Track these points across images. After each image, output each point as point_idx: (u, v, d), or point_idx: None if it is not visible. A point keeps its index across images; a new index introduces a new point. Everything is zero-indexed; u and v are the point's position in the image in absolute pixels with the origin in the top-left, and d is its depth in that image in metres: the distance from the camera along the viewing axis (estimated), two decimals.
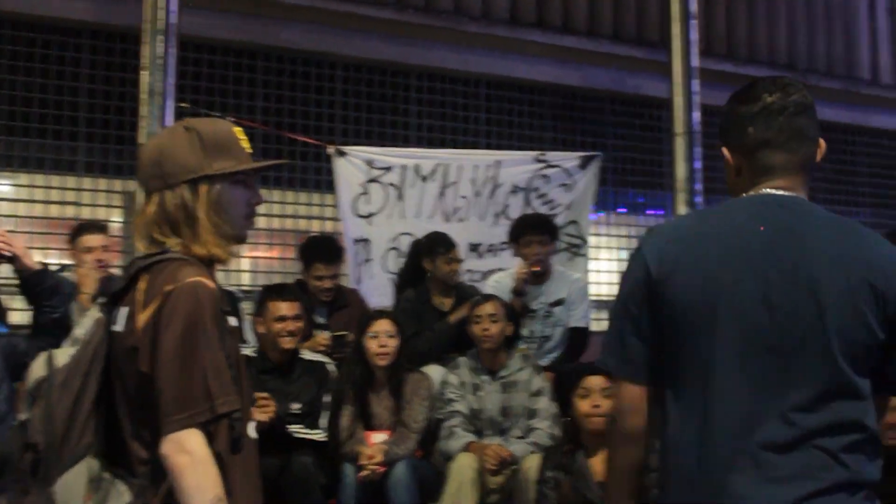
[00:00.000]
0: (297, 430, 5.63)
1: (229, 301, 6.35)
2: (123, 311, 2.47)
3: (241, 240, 2.64)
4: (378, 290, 7.59)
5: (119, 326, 2.47)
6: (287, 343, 5.70)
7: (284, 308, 5.72)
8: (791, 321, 2.30)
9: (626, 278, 2.51)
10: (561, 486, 4.92)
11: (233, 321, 2.50)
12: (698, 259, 2.39)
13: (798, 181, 2.50)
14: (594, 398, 4.85)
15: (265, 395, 5.38)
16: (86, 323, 2.55)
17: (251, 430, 2.51)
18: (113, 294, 2.53)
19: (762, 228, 2.39)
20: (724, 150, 2.58)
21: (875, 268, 2.34)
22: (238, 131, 2.65)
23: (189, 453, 2.28)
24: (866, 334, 2.31)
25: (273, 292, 5.91)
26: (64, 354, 2.50)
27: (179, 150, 2.54)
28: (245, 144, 2.64)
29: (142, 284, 2.45)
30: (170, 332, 2.33)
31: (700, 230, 2.48)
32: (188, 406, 2.30)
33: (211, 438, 2.34)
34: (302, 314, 5.84)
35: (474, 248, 7.83)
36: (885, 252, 2.39)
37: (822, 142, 2.55)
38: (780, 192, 2.47)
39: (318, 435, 5.70)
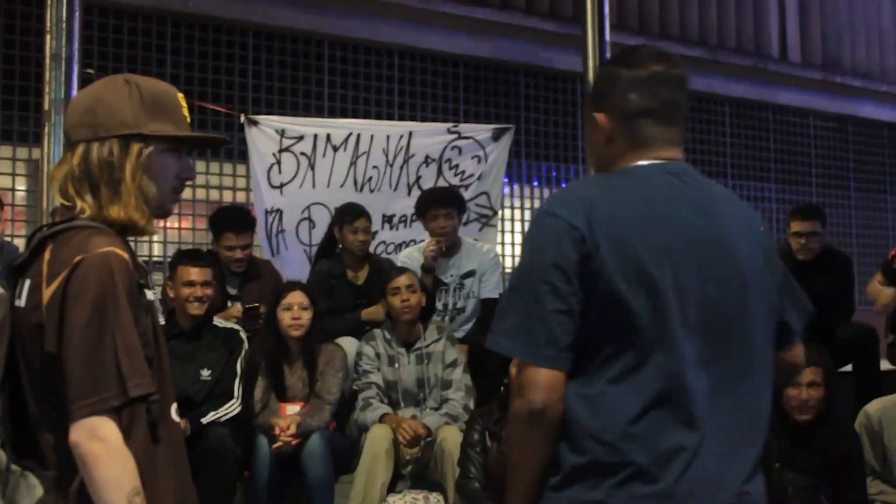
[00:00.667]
0: (208, 418, 5.52)
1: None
2: (26, 284, 2.24)
3: (164, 213, 2.42)
4: (293, 261, 7.54)
5: (22, 301, 2.23)
6: (194, 309, 5.62)
7: (194, 273, 5.63)
8: (723, 293, 2.22)
9: (542, 249, 2.22)
10: (489, 451, 4.95)
11: (149, 294, 2.31)
12: (624, 231, 2.18)
13: (677, 154, 2.37)
14: None
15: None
16: None
17: (174, 414, 2.32)
18: (16, 266, 2.30)
19: (679, 200, 2.27)
20: (599, 116, 2.39)
21: (760, 231, 2.38)
22: (181, 97, 2.43)
23: (102, 441, 2.07)
24: (776, 293, 2.34)
25: (184, 256, 5.84)
26: None
27: (117, 102, 2.32)
28: (186, 113, 2.42)
29: (46, 255, 2.22)
30: (78, 307, 2.11)
31: (616, 200, 2.24)
32: (98, 389, 2.08)
33: (126, 424, 2.13)
34: (212, 281, 5.76)
35: (388, 219, 7.78)
36: (756, 214, 2.46)
37: None
38: (671, 162, 2.34)
39: (232, 409, 5.62)
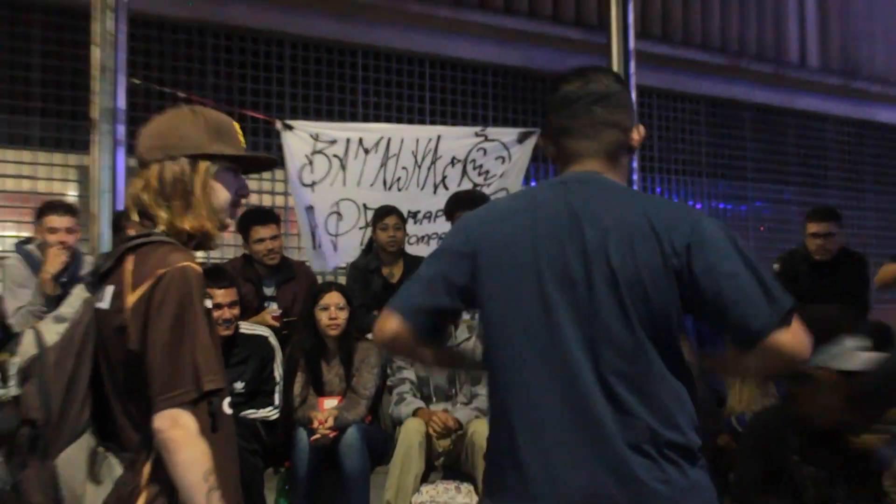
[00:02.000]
0: (248, 413, 5.62)
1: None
2: (109, 290, 2.48)
3: (223, 226, 2.68)
4: (327, 252, 7.69)
5: (105, 304, 2.48)
6: (223, 331, 5.52)
7: (220, 296, 5.54)
8: (589, 292, 2.30)
9: (445, 241, 2.59)
10: None
11: (208, 303, 2.53)
12: (503, 235, 2.42)
13: (604, 165, 2.49)
14: None
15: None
16: (73, 301, 2.57)
17: (226, 407, 2.54)
18: (101, 273, 2.54)
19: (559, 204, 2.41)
20: (541, 140, 2.65)
21: (657, 221, 2.32)
22: (237, 125, 2.72)
23: (182, 428, 2.33)
24: (660, 294, 2.29)
25: (208, 277, 5.76)
26: (51, 332, 2.52)
27: (184, 127, 2.61)
28: (241, 138, 2.70)
29: (129, 265, 2.46)
30: (163, 313, 2.37)
31: (508, 207, 2.52)
32: (179, 384, 2.35)
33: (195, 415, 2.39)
34: (238, 300, 5.73)
35: (413, 215, 7.88)
36: (669, 209, 2.39)
37: (638, 127, 2.56)
38: (582, 171, 2.48)
39: (270, 413, 5.71)
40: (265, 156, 2.83)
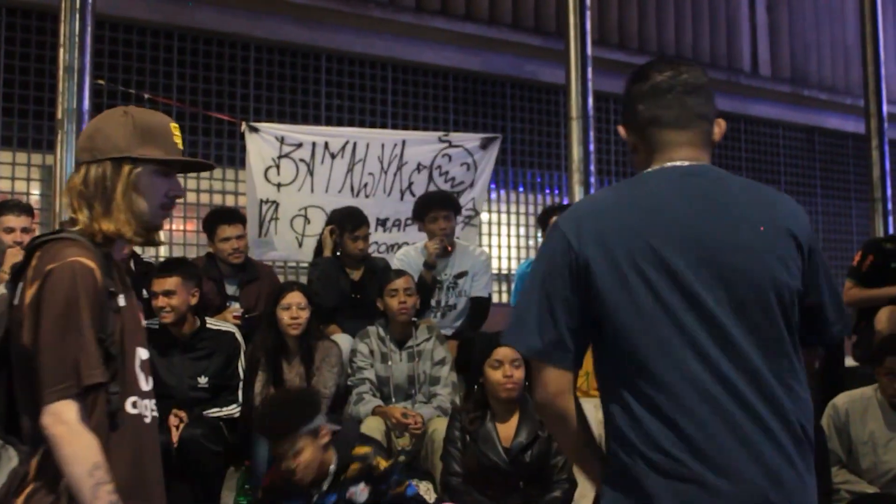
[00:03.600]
0: (212, 412, 5.55)
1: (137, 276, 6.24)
2: (20, 287, 2.49)
3: (154, 227, 2.64)
4: (280, 244, 7.60)
5: (17, 300, 2.48)
6: (164, 318, 5.54)
7: (160, 284, 5.55)
8: (736, 285, 2.22)
9: (545, 257, 2.33)
10: (467, 447, 4.98)
11: (121, 300, 2.52)
12: (623, 230, 2.25)
13: (697, 155, 2.38)
14: (505, 368, 4.91)
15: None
16: None
17: (130, 406, 2.50)
18: (16, 270, 2.54)
19: (685, 198, 2.29)
20: (621, 129, 2.49)
21: (791, 218, 2.31)
22: (174, 127, 2.67)
23: (65, 423, 2.30)
24: (792, 286, 2.26)
25: (163, 271, 5.73)
26: None
27: (112, 129, 2.57)
28: (177, 140, 2.64)
29: (34, 261, 2.46)
30: (48, 309, 2.36)
31: (620, 202, 2.33)
32: (61, 379, 2.32)
33: (88, 412, 2.37)
34: (180, 290, 5.60)
35: (381, 222, 7.79)
36: (792, 204, 2.38)
37: (720, 122, 2.47)
38: (689, 163, 2.35)
39: (234, 410, 5.64)
40: (199, 161, 2.81)
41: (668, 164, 2.36)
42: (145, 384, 2.56)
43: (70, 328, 2.35)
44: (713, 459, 2.14)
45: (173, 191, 2.64)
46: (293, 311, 5.76)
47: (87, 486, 2.26)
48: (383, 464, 4.55)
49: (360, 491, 4.48)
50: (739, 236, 2.25)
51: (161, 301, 5.53)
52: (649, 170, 2.39)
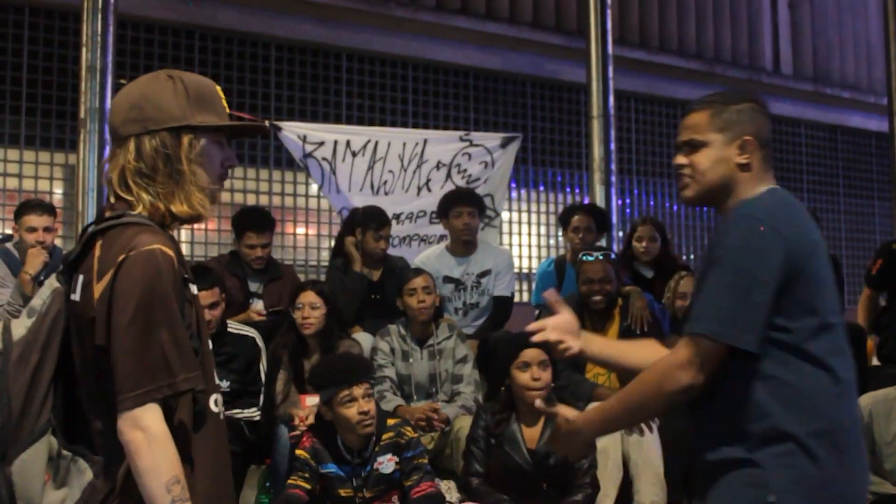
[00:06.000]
0: (234, 412, 5.54)
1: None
2: (79, 280, 2.20)
3: (213, 200, 2.35)
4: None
5: (77, 296, 2.20)
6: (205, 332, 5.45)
7: (201, 297, 5.40)
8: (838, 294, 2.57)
9: (765, 255, 2.40)
10: (490, 448, 4.95)
11: (193, 289, 2.27)
12: (815, 245, 2.49)
13: None
14: (533, 371, 4.86)
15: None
16: (44, 293, 2.29)
17: (213, 404, 2.29)
18: (70, 262, 2.27)
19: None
20: (749, 140, 2.58)
21: None
22: (219, 89, 2.39)
23: (144, 430, 2.04)
24: None
25: (202, 281, 5.68)
26: (20, 326, 2.25)
27: (164, 96, 2.26)
28: (225, 104, 2.38)
29: (97, 251, 2.19)
30: (126, 303, 2.08)
31: (803, 217, 2.55)
32: (144, 381, 2.06)
33: (170, 414, 2.11)
34: (219, 300, 5.56)
35: (396, 216, 7.76)
36: None
37: None
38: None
39: (254, 414, 5.63)
40: (252, 122, 2.59)
41: (775, 185, 2.61)
42: (217, 378, 2.35)
43: (156, 325, 2.08)
44: None
45: (229, 160, 2.39)
46: (305, 310, 5.74)
47: (161, 503, 2.03)
48: (410, 433, 4.85)
49: (388, 461, 4.73)
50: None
51: (208, 315, 5.26)
52: (777, 187, 2.61)
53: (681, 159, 2.64)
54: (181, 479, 2.06)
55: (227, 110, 2.38)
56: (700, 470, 2.53)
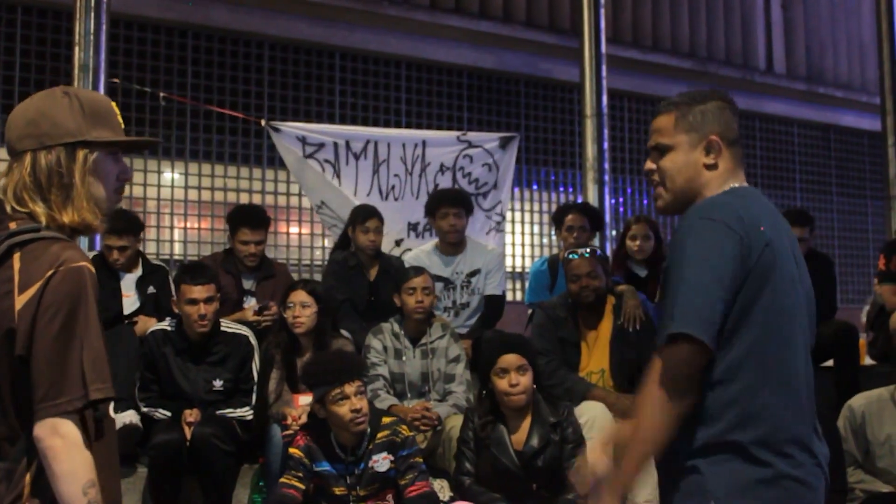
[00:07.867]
0: (226, 411, 5.54)
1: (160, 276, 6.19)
2: None
3: (107, 214, 2.43)
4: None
5: None
6: (200, 327, 5.47)
7: (196, 291, 5.41)
8: (806, 303, 2.56)
9: (719, 252, 2.37)
10: (480, 450, 4.96)
11: None
12: (772, 243, 2.44)
13: None
14: (511, 377, 4.86)
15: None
16: None
17: (111, 411, 2.38)
18: None
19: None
20: (716, 139, 2.54)
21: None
22: (114, 105, 2.48)
23: (63, 437, 2.14)
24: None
25: (186, 273, 5.64)
26: None
27: (59, 113, 2.34)
28: (120, 119, 2.45)
29: (16, 263, 2.23)
30: (54, 316, 2.17)
31: (761, 215, 2.48)
32: (65, 392, 2.16)
33: (84, 422, 2.21)
34: (214, 295, 5.58)
35: (413, 227, 7.70)
36: None
37: None
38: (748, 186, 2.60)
39: (246, 413, 5.63)
40: (145, 139, 2.63)
41: (743, 183, 2.59)
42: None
43: (76, 339, 2.18)
44: None
45: (124, 174, 2.46)
46: (296, 309, 5.73)
47: None
48: (406, 432, 4.84)
49: (383, 459, 4.73)
50: (794, 247, 2.59)
51: (202, 308, 5.46)
52: (748, 188, 2.59)
53: (649, 164, 2.63)
54: (96, 483, 2.17)
55: (122, 125, 2.46)
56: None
